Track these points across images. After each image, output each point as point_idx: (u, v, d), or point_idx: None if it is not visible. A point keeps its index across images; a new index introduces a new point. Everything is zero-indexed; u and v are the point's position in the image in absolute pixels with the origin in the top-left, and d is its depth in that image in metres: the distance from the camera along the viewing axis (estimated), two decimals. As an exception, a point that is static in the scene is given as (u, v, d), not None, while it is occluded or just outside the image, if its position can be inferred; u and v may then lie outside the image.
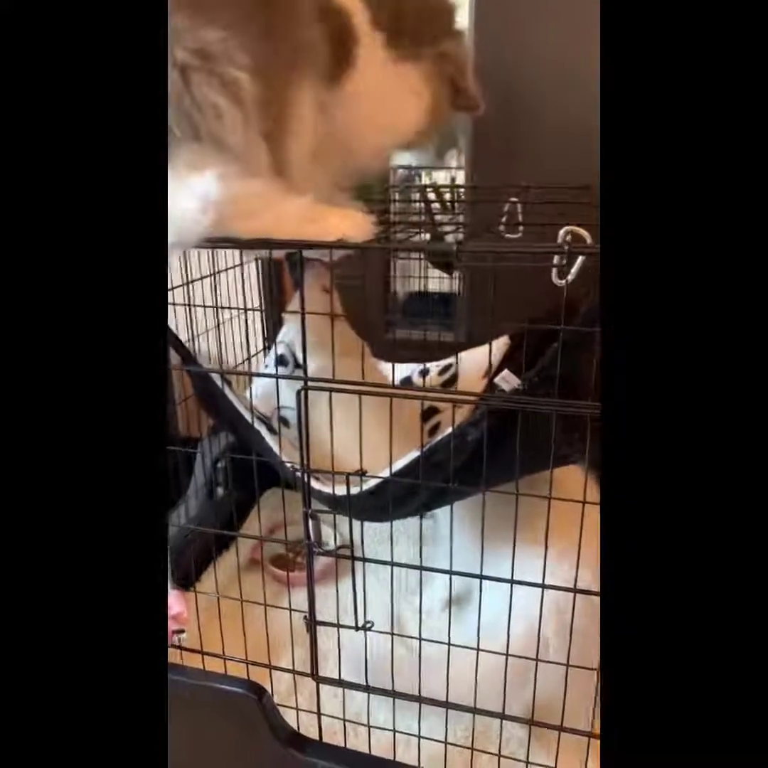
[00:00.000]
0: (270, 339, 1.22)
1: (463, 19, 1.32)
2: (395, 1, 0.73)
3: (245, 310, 0.87)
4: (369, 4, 0.71)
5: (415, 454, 0.67)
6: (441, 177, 1.77)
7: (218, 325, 0.90)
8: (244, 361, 1.09)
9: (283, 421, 0.96)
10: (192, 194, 0.56)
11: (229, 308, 0.92)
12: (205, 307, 0.85)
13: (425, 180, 1.77)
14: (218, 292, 0.84)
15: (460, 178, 1.64)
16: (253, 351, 1.15)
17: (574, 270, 0.54)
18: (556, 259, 0.52)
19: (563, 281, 0.59)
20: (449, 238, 0.73)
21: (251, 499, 1.14)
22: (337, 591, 0.76)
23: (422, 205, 1.09)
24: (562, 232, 0.59)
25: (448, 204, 1.15)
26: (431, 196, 1.24)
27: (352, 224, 0.59)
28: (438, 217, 1.01)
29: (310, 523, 0.67)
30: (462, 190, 1.22)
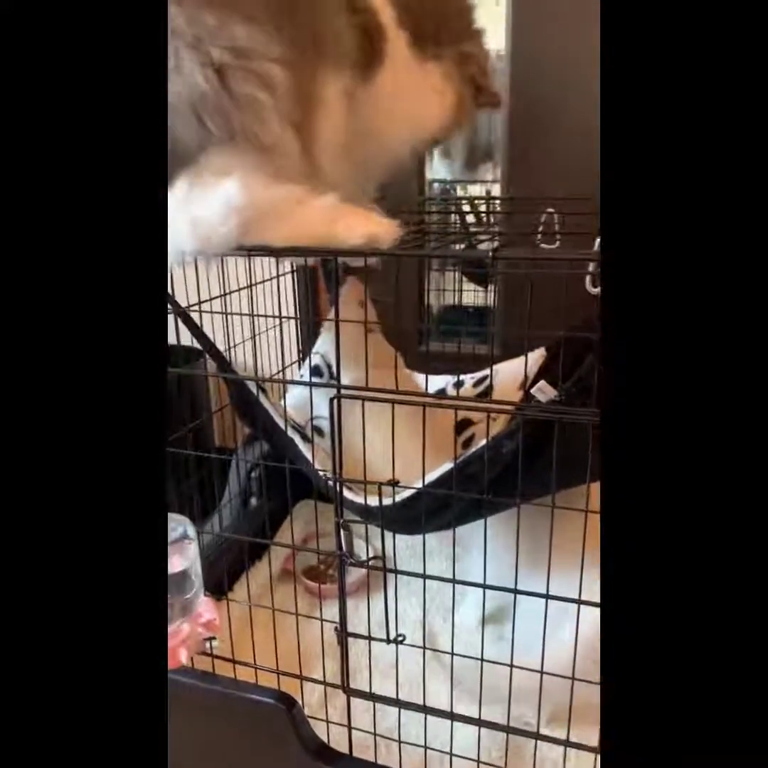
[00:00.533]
0: (305, 350, 1.23)
1: (499, 34, 1.33)
2: (418, 1, 0.74)
3: (280, 317, 0.87)
4: (394, 4, 0.72)
5: (448, 465, 0.66)
6: (476, 190, 1.77)
7: (254, 336, 0.91)
8: (279, 372, 1.10)
9: (318, 431, 0.96)
10: (214, 201, 0.56)
11: (265, 316, 0.92)
12: (241, 314, 0.86)
13: (460, 193, 1.77)
14: (255, 302, 0.85)
15: (496, 191, 1.64)
16: (288, 361, 1.16)
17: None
18: (591, 267, 0.51)
19: (598, 289, 0.58)
20: (484, 246, 0.73)
21: (285, 510, 1.14)
22: (369, 603, 0.75)
23: (457, 217, 1.09)
24: (597, 240, 0.59)
25: (483, 216, 1.15)
26: (466, 208, 1.24)
27: (378, 223, 0.59)
28: (473, 229, 1.01)
29: (342, 533, 0.67)
30: (497, 201, 1.21)
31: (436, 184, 1.73)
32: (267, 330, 1.04)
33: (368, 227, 0.57)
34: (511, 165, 1.34)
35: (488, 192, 1.62)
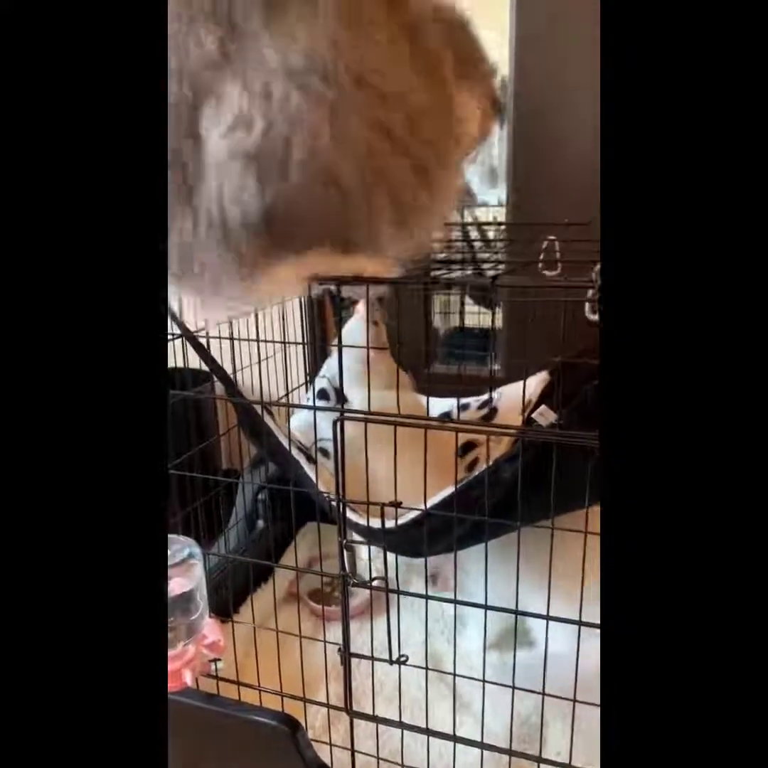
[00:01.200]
0: (311, 373, 1.24)
1: (504, 59, 1.36)
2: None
3: (285, 343, 0.89)
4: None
5: (451, 489, 0.67)
6: (481, 214, 1.80)
7: (260, 361, 0.93)
8: (284, 396, 1.12)
9: (323, 452, 0.97)
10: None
11: (273, 342, 0.94)
12: (248, 340, 0.88)
13: (467, 217, 1.80)
14: (262, 326, 0.87)
15: (501, 215, 1.66)
16: (294, 384, 1.18)
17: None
18: (589, 294, 0.53)
19: (596, 316, 0.60)
20: (489, 273, 0.75)
21: (290, 533, 1.15)
22: (372, 625, 0.76)
23: (464, 243, 1.11)
24: (596, 268, 0.60)
25: (489, 242, 1.17)
26: (473, 233, 1.26)
27: (380, 263, 0.61)
28: (479, 254, 1.03)
29: (345, 554, 0.68)
30: (502, 226, 1.23)
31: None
32: (274, 354, 1.06)
33: (370, 269, 0.60)
34: (514, 191, 1.37)
35: (494, 218, 1.65)
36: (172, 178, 0.52)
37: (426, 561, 0.73)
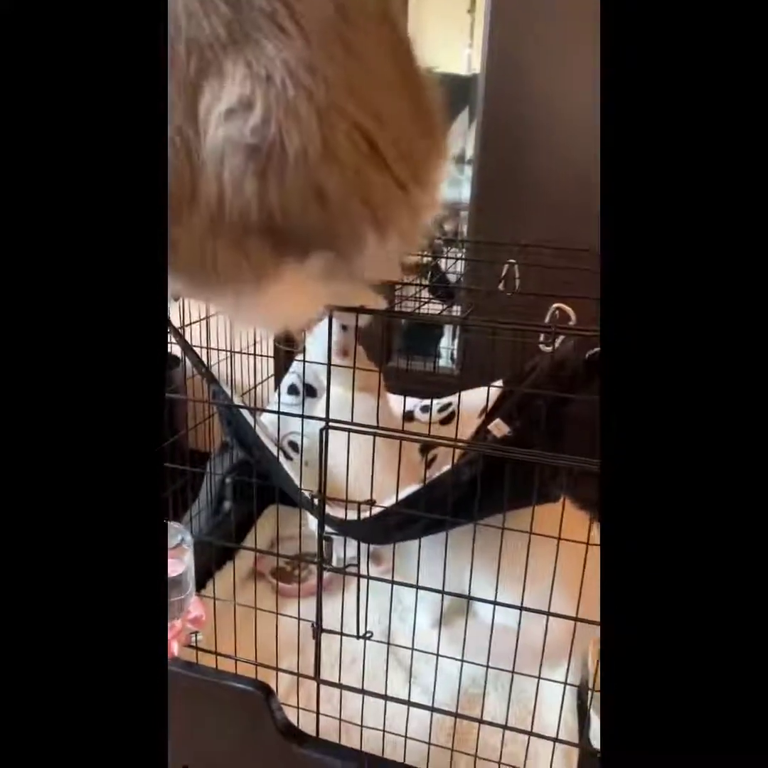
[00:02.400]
0: (279, 367, 1.32)
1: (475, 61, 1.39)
2: None
3: (255, 355, 0.96)
4: None
5: (415, 487, 0.77)
6: (444, 218, 1.89)
7: (231, 355, 1.00)
8: (249, 390, 1.19)
9: (292, 446, 1.06)
10: None
11: (244, 353, 1.01)
12: (217, 350, 0.95)
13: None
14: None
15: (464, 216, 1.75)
16: (264, 376, 1.25)
17: (557, 344, 0.65)
18: (542, 337, 0.63)
19: (549, 348, 0.70)
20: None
21: (253, 515, 1.24)
22: (343, 603, 0.85)
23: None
24: (551, 308, 0.70)
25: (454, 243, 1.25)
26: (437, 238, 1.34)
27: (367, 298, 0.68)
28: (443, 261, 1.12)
29: (324, 543, 0.77)
30: (466, 244, 1.32)
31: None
32: (244, 350, 1.13)
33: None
34: (478, 206, 1.44)
35: (459, 234, 1.71)
36: (176, 168, 0.51)
37: (368, 547, 0.82)
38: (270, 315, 0.64)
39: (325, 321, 0.80)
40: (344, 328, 1.03)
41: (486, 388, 0.98)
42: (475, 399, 1.06)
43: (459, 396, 1.04)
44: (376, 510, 0.79)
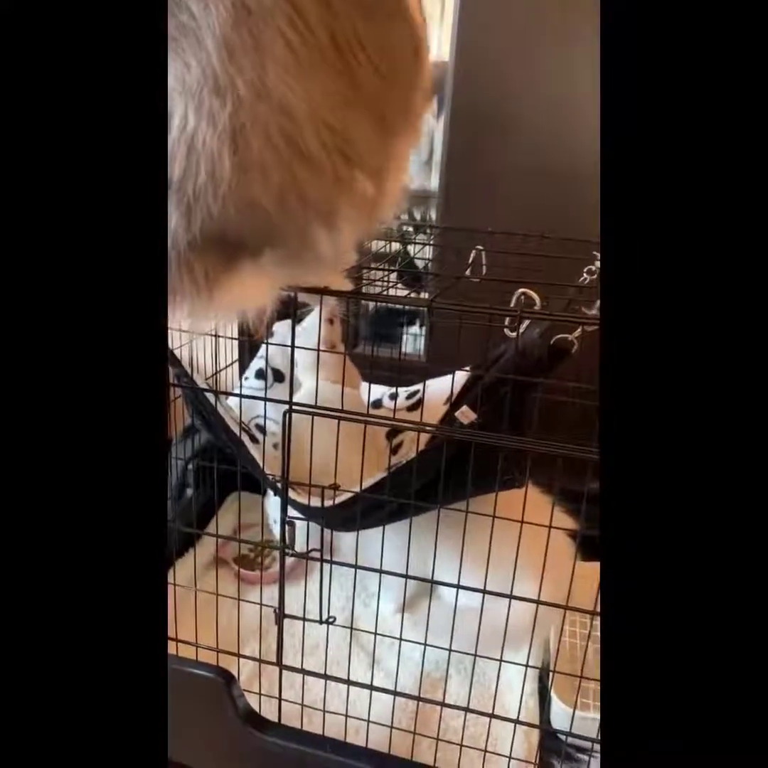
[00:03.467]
0: (244, 352, 1.30)
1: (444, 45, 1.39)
2: None
3: (216, 336, 0.95)
4: None
5: (382, 474, 0.77)
6: (412, 203, 1.88)
7: (192, 340, 0.98)
8: (213, 375, 1.17)
9: (259, 429, 1.05)
10: None
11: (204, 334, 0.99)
12: (180, 331, 0.93)
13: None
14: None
15: (433, 204, 1.74)
16: (228, 361, 1.24)
17: (522, 328, 0.66)
18: (507, 321, 0.63)
19: (514, 333, 0.71)
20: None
21: (217, 502, 1.22)
22: (305, 589, 0.85)
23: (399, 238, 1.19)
24: (517, 293, 0.70)
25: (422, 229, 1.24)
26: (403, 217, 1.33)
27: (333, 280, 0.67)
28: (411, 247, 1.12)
29: (287, 528, 0.76)
30: (434, 230, 1.32)
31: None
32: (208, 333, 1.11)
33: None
34: (447, 190, 1.44)
35: (429, 219, 1.71)
36: None
37: (330, 533, 0.82)
38: (227, 308, 0.62)
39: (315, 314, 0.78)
40: (331, 321, 1.03)
41: (453, 375, 0.99)
42: (443, 387, 1.06)
43: (425, 384, 1.04)
44: (341, 497, 0.79)
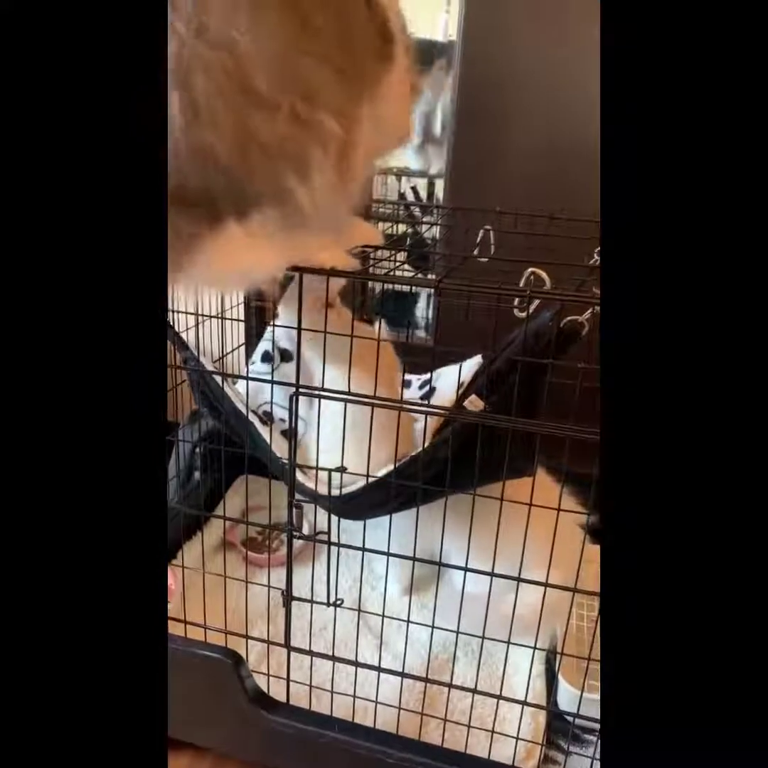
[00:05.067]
0: (252, 335, 1.30)
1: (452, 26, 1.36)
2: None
3: (222, 318, 0.94)
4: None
5: (391, 467, 0.76)
6: (421, 183, 1.87)
7: (198, 324, 0.97)
8: (220, 359, 1.17)
9: (267, 415, 1.04)
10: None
11: (210, 316, 0.99)
12: (186, 314, 0.92)
13: (405, 184, 1.86)
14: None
15: (439, 184, 1.73)
16: (234, 344, 1.23)
17: (532, 308, 0.65)
18: (516, 301, 0.62)
19: (524, 314, 0.69)
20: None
21: (227, 483, 1.22)
22: (313, 572, 0.85)
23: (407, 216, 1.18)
24: (525, 273, 0.69)
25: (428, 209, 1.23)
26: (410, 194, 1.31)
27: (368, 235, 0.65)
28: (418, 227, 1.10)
29: (294, 511, 0.76)
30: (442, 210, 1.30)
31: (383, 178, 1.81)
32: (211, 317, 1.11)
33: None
34: (454, 171, 1.43)
35: (437, 199, 1.70)
36: None
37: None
38: (227, 273, 0.61)
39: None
40: (331, 306, 1.01)
41: (465, 364, 0.98)
42: (454, 376, 1.05)
43: (433, 373, 1.03)
44: (349, 488, 0.78)
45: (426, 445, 0.72)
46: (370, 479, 0.75)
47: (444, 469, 0.72)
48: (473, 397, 0.70)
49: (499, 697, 0.80)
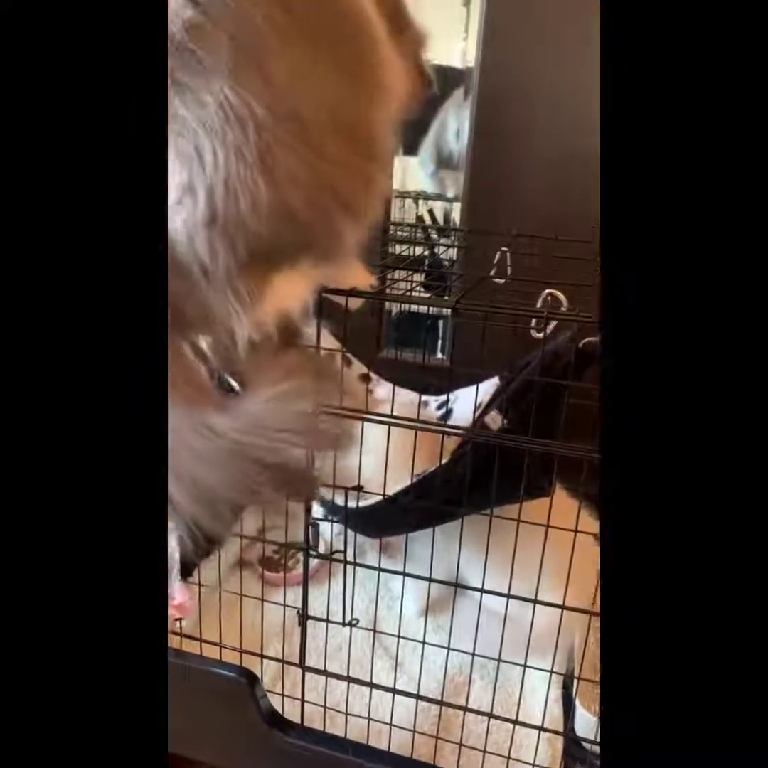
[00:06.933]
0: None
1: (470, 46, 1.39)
2: None
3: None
4: None
5: (408, 482, 0.77)
6: (437, 206, 1.88)
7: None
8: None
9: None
10: None
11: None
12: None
13: (422, 208, 1.88)
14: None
15: (456, 207, 1.74)
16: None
17: (549, 329, 0.65)
18: (534, 322, 0.63)
19: (541, 335, 0.70)
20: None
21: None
22: (329, 591, 0.85)
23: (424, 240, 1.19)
24: (543, 294, 0.70)
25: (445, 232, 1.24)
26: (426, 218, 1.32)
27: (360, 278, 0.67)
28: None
29: (310, 530, 0.76)
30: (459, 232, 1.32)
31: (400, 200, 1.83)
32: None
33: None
34: (471, 193, 1.44)
35: (454, 222, 1.71)
36: None
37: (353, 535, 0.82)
38: (266, 317, 0.63)
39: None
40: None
41: (481, 385, 0.98)
42: (471, 397, 1.06)
43: (449, 394, 1.03)
44: (366, 500, 0.79)
45: (443, 463, 0.73)
46: (387, 495, 0.76)
47: (460, 489, 0.72)
48: (494, 413, 0.70)
49: (515, 722, 0.79)
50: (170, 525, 0.80)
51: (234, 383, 0.72)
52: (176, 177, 0.51)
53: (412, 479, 0.75)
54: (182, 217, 0.52)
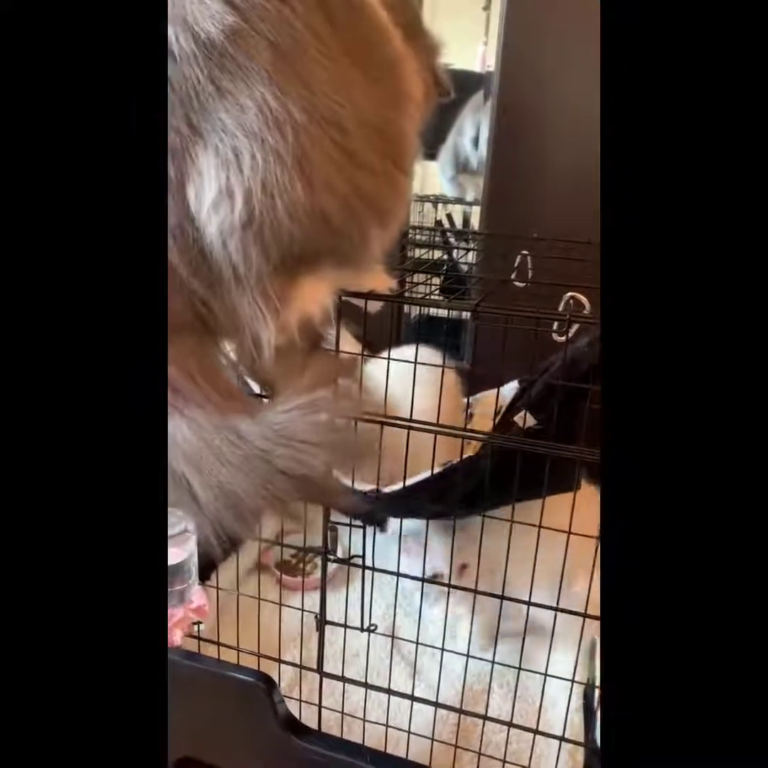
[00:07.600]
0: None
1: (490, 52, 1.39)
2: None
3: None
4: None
5: (435, 472, 0.76)
6: (456, 209, 1.88)
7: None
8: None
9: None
10: None
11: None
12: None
13: (442, 211, 1.88)
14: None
15: (475, 211, 1.73)
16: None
17: (571, 333, 0.64)
18: (555, 325, 0.62)
19: (562, 338, 0.69)
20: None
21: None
22: (347, 596, 0.84)
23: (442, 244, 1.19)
24: (565, 296, 0.69)
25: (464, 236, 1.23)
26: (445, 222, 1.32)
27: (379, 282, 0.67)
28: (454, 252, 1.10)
29: (329, 534, 0.76)
30: (478, 236, 1.31)
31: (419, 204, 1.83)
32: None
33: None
34: (491, 196, 1.44)
35: (465, 215, 1.71)
36: (189, 259, 0.54)
37: (373, 540, 0.82)
38: (290, 322, 0.63)
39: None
40: None
41: (503, 389, 0.97)
42: (492, 400, 1.05)
43: (469, 398, 1.02)
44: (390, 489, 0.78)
45: (464, 457, 0.72)
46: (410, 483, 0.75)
47: (482, 485, 0.71)
48: (524, 412, 0.69)
49: (536, 731, 0.77)
50: (191, 527, 0.80)
51: (258, 388, 0.73)
52: (214, 181, 0.52)
53: (432, 466, 0.74)
54: (218, 220, 0.53)
